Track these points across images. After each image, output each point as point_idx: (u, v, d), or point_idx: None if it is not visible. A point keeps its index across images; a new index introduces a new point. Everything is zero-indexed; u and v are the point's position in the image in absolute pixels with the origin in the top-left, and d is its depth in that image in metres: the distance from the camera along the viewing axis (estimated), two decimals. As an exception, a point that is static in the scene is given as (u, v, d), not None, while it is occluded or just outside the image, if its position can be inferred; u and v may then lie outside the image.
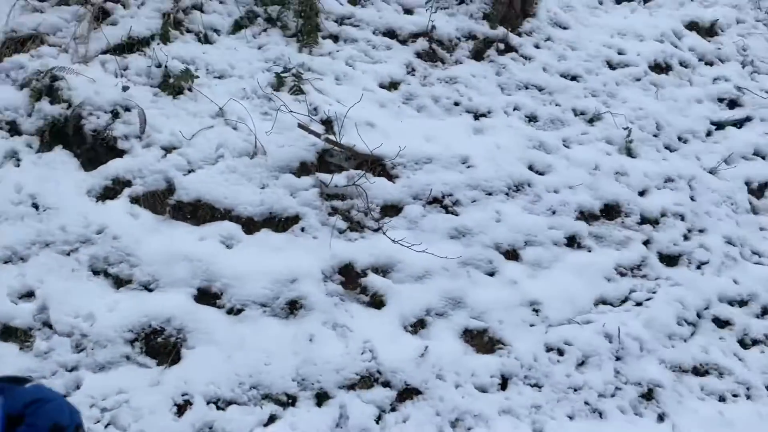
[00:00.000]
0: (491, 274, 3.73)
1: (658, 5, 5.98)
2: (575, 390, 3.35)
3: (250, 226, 3.45)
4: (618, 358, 3.53)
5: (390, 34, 4.74)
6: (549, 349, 3.49)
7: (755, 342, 3.88)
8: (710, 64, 5.60)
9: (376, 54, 4.56)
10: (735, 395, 3.57)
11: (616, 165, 4.50)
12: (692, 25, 5.82)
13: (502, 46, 4.97)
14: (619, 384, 3.43)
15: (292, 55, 4.26)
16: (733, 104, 5.33)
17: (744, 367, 3.72)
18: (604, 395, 3.37)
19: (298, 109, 3.90)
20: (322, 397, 2.98)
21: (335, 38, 4.58)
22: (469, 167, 4.11)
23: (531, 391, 3.30)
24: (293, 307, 3.22)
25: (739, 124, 5.17)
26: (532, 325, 3.57)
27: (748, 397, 3.58)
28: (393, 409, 3.05)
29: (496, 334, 3.48)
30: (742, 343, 3.86)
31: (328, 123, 3.96)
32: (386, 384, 3.10)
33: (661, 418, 3.34)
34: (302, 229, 3.50)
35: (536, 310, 3.63)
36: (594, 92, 4.97)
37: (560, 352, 3.48)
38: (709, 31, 5.87)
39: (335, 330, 3.21)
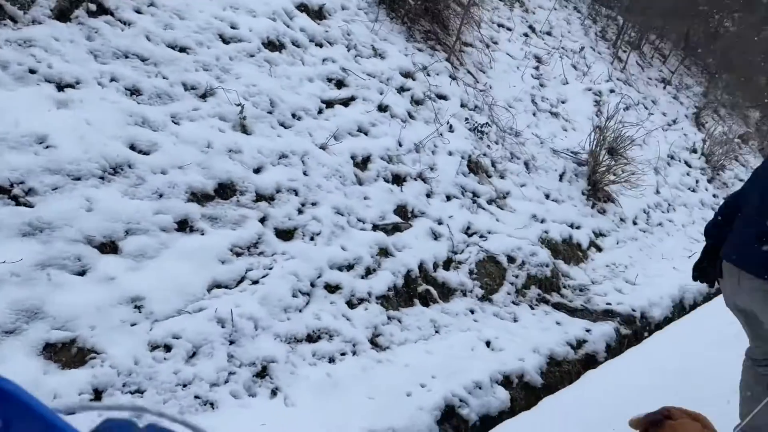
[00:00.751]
0: (81, 274, 3.19)
1: (271, -17, 6.07)
2: (184, 386, 3.10)
3: None
4: (232, 342, 3.41)
5: (-77, -25, 3.61)
6: (154, 348, 3.16)
7: (361, 301, 4.26)
8: (320, 45, 5.95)
9: None
10: (343, 354, 3.84)
11: (230, 142, 4.38)
12: (302, 7, 6.08)
13: (93, 7, 4.29)
14: (233, 368, 3.32)
15: None
16: (340, 84, 5.77)
17: (351, 326, 4.03)
18: (217, 384, 3.21)
19: None
20: None
21: None
22: (48, 148, 3.42)
23: (131, 399, 2.92)
24: None
25: (345, 102, 5.63)
26: (133, 325, 3.18)
27: (354, 353, 3.89)
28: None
29: (88, 342, 2.98)
30: (350, 304, 4.19)
31: None
32: None
33: (274, 393, 3.35)
34: None
35: (139, 307, 3.25)
36: (206, 66, 4.74)
37: (167, 348, 3.19)
38: (318, 14, 6.23)
39: None
